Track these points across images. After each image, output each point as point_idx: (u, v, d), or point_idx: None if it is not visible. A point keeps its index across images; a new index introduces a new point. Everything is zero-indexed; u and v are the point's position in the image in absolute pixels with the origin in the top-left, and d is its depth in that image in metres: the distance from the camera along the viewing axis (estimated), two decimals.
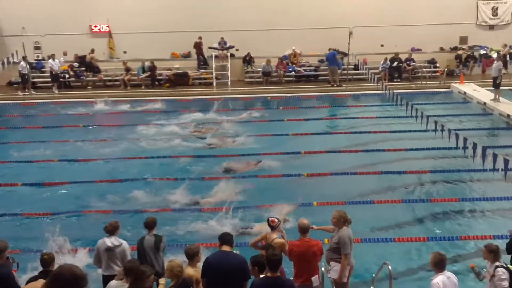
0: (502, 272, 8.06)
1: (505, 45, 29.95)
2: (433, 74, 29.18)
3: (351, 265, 9.08)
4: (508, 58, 29.20)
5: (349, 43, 27.29)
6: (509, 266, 8.38)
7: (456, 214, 13.36)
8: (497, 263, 8.20)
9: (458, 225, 12.87)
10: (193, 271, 8.07)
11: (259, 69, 29.54)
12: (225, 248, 8.02)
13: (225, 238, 8.13)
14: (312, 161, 17.66)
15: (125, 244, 9.03)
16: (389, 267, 9.11)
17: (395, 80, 28.40)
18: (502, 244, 9.48)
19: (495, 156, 12.66)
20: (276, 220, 9.09)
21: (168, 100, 25.87)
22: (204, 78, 29.75)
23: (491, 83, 23.78)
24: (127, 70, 29.15)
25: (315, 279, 8.67)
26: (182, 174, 16.19)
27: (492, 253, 8.27)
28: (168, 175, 16.06)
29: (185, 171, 16.45)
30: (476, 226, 12.75)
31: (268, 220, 9.20)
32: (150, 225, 9.20)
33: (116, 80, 29.53)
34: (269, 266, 7.25)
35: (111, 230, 9.10)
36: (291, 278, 8.55)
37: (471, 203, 13.97)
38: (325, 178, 15.90)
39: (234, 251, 8.21)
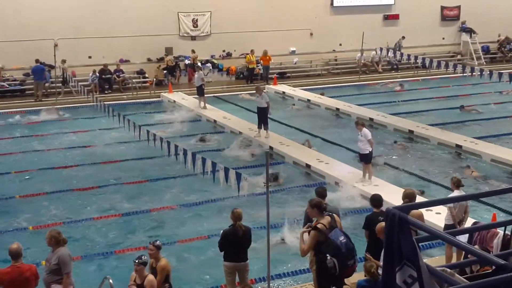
0: None
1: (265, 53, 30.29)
2: (143, 84, 29.82)
3: (72, 284, 8.77)
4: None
5: (55, 55, 26.34)
6: None
7: (173, 221, 13.91)
8: None
9: (177, 230, 13.40)
10: None
11: None
12: None
13: None
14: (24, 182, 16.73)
15: None
16: (110, 281, 9.03)
17: (106, 92, 28.27)
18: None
19: (204, 160, 13.40)
20: None
21: None
22: None
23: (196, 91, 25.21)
24: None
25: None
26: None
27: None
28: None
29: None
30: (195, 229, 13.40)
31: None
32: None
33: None
34: None
35: None
36: None
37: (187, 208, 14.65)
38: (40, 198, 15.21)
39: None
